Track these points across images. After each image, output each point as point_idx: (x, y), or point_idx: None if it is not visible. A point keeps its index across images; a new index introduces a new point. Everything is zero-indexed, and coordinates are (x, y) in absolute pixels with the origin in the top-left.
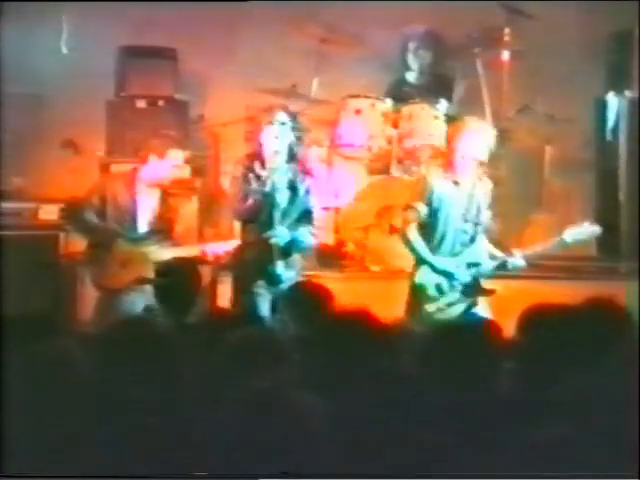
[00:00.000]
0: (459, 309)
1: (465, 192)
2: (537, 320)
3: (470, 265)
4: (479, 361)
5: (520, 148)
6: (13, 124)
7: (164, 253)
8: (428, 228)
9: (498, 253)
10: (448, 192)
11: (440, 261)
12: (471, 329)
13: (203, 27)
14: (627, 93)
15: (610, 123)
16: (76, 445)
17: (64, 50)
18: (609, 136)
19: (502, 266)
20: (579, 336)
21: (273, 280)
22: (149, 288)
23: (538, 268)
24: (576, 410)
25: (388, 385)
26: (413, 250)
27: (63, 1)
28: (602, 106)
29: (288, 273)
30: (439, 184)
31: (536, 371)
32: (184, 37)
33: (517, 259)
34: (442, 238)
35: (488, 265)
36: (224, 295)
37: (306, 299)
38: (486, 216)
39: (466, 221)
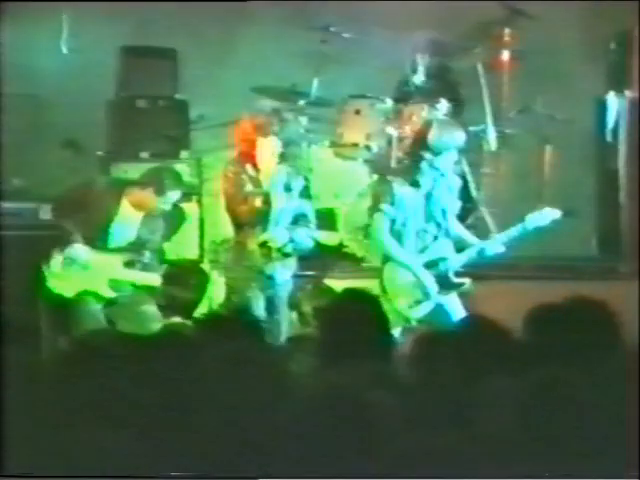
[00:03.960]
0: (430, 306)
1: (425, 192)
2: (537, 320)
3: (435, 262)
4: (480, 361)
5: (520, 148)
6: (13, 124)
7: (121, 272)
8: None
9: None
10: (408, 192)
11: (413, 260)
12: (470, 329)
13: (203, 27)
14: (627, 93)
15: (610, 123)
16: (76, 445)
17: (64, 50)
18: (609, 136)
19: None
20: (579, 336)
21: (270, 282)
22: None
23: (539, 268)
24: (576, 410)
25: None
26: (386, 251)
27: (63, 1)
28: (602, 106)
29: (285, 274)
30: (399, 184)
31: (536, 371)
32: (184, 37)
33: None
34: (403, 237)
35: (455, 260)
36: (222, 297)
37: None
38: (452, 211)
39: (428, 221)
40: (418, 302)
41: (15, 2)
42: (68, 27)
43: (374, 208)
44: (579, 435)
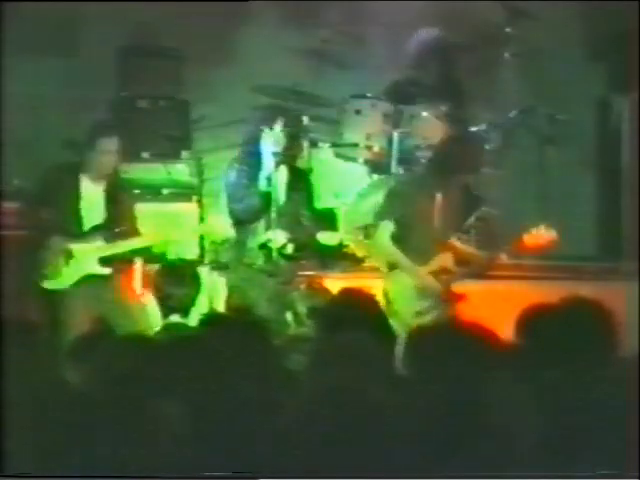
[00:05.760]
0: (431, 315)
1: (438, 201)
2: (536, 321)
3: (439, 272)
4: (478, 363)
5: (521, 148)
6: (13, 124)
7: (110, 248)
8: (399, 234)
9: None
10: (418, 199)
11: (413, 268)
12: (467, 330)
13: (203, 27)
14: (627, 93)
15: (610, 123)
16: (76, 445)
17: (64, 50)
18: (609, 136)
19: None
20: (579, 336)
21: (270, 281)
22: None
23: (538, 268)
24: (576, 410)
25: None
26: (388, 257)
27: (63, 1)
28: (602, 106)
29: (284, 274)
30: (410, 191)
31: (535, 371)
32: (184, 37)
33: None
34: (412, 245)
35: (458, 271)
36: (220, 296)
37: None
38: (466, 224)
39: (440, 229)
40: (422, 312)
41: (15, 2)
42: (68, 27)
43: (381, 214)
44: (579, 435)
